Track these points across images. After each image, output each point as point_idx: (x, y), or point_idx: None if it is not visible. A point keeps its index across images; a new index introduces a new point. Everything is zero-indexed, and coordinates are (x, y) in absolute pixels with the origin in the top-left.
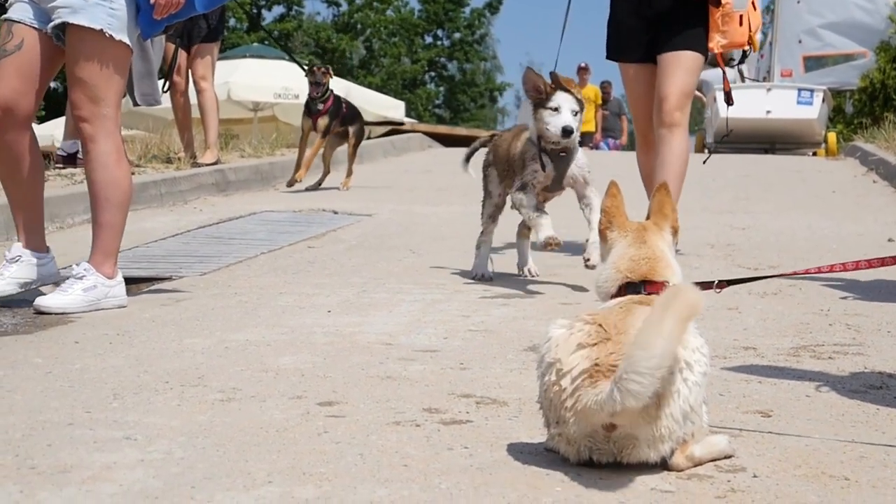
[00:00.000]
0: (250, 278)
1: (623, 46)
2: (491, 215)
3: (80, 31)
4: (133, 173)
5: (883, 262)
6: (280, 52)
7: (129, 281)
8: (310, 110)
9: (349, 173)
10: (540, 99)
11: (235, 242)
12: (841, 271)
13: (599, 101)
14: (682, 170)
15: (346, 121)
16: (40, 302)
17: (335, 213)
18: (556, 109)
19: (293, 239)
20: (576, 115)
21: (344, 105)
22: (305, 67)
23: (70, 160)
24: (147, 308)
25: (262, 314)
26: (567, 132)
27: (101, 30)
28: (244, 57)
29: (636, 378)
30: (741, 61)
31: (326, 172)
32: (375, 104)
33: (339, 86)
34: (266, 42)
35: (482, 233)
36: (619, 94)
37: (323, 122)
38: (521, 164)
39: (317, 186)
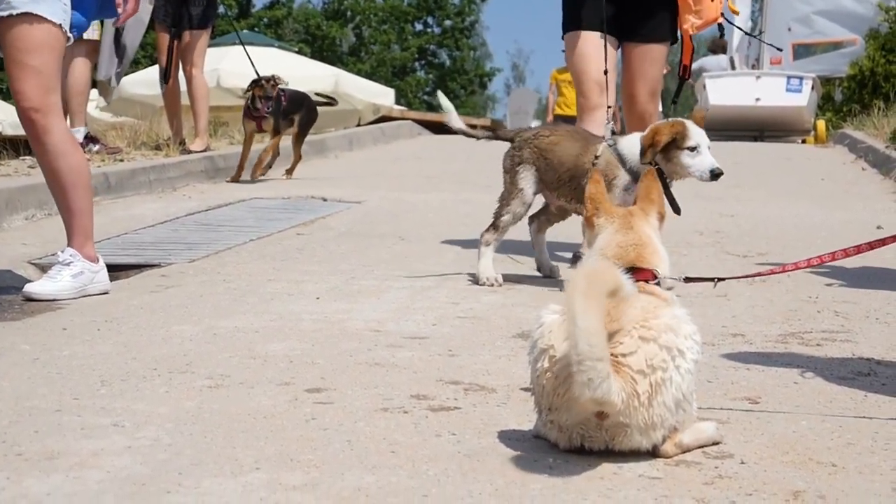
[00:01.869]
0: (239, 265)
1: (584, 16)
2: (515, 215)
3: (35, 20)
4: (121, 160)
5: (858, 249)
6: (269, 40)
7: (118, 268)
8: (251, 113)
9: (297, 158)
10: (672, 137)
11: (224, 229)
12: (818, 264)
13: None
14: None
15: (289, 111)
16: (30, 289)
17: (324, 200)
18: (695, 149)
19: (282, 226)
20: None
21: (284, 98)
22: (252, 81)
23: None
24: (135, 295)
25: (251, 301)
26: (716, 175)
27: (60, 24)
28: (233, 44)
29: (583, 367)
30: (721, 34)
31: (275, 156)
32: (365, 91)
33: (329, 73)
34: (256, 29)
35: (496, 230)
36: None
37: (268, 124)
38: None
39: (264, 171)
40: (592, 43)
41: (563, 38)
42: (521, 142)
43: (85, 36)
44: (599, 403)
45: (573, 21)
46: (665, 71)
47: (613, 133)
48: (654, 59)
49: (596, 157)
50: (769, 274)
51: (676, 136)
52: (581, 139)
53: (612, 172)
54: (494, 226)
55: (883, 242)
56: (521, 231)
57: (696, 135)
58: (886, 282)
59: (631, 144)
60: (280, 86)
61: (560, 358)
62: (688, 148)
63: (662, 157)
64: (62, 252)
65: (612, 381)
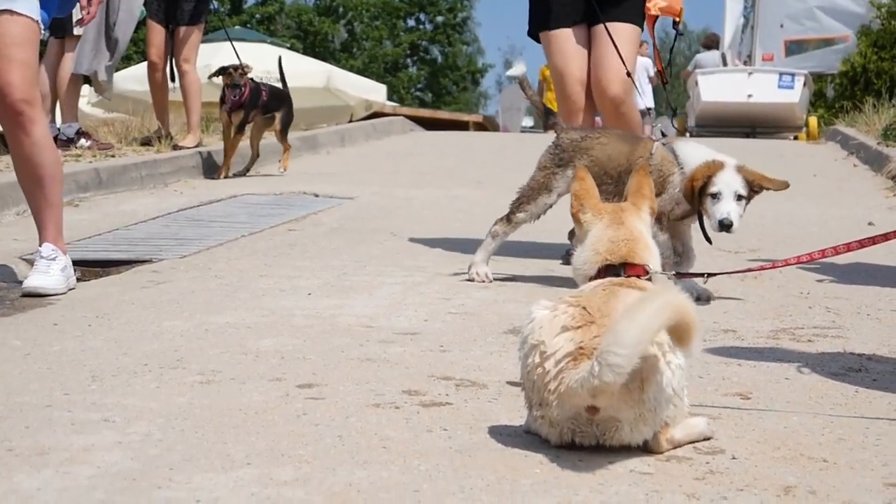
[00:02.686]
0: (230, 261)
1: (555, 14)
2: (533, 214)
3: (15, 16)
4: (113, 156)
5: (849, 247)
6: (261, 36)
7: (109, 263)
8: (224, 104)
9: (286, 149)
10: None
11: (216, 225)
12: (808, 261)
13: None
14: None
15: (269, 108)
16: (36, 283)
17: (316, 196)
18: (716, 196)
19: (274, 222)
20: (741, 200)
21: (264, 93)
22: (218, 68)
23: (67, 143)
24: (126, 290)
25: (242, 297)
26: (725, 226)
27: (37, 20)
28: (225, 40)
29: (617, 350)
30: (679, 32)
31: (255, 157)
32: (357, 87)
33: (321, 69)
34: (248, 25)
35: (508, 223)
36: None
37: (238, 116)
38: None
39: (244, 172)
40: (571, 40)
41: (529, 34)
42: (568, 142)
43: (75, 31)
44: (601, 391)
45: (547, 18)
46: (657, 68)
47: (663, 133)
48: (626, 39)
49: (650, 154)
50: (759, 270)
51: (705, 180)
52: (631, 139)
53: (666, 170)
54: (508, 219)
55: (873, 241)
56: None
57: (721, 181)
58: (877, 278)
59: (687, 146)
60: (248, 75)
61: (551, 353)
62: (710, 194)
63: (697, 195)
64: (43, 247)
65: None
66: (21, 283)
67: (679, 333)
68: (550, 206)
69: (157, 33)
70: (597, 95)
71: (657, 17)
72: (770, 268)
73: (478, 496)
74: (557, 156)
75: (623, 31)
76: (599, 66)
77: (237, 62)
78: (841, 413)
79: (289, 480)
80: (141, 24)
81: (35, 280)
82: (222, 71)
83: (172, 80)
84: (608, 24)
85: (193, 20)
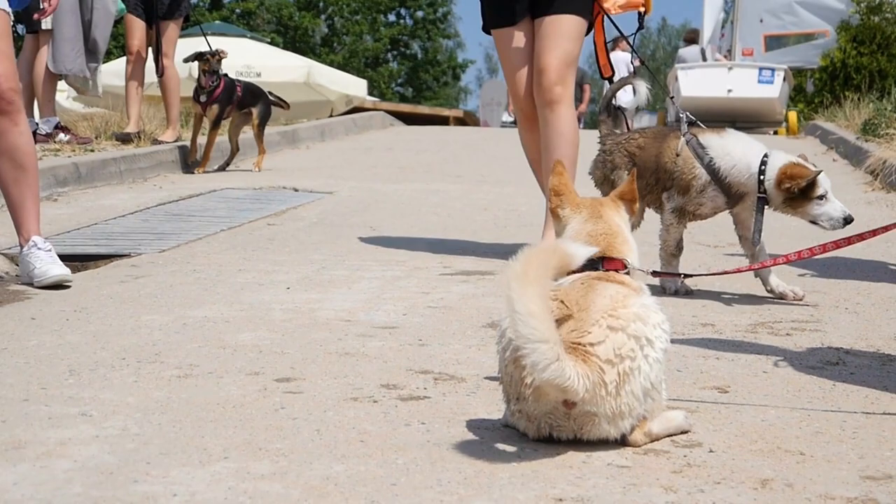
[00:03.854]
0: (209, 255)
1: (502, 10)
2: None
3: None
4: (92, 150)
5: (825, 248)
6: (241, 30)
7: (88, 258)
8: (197, 98)
9: (261, 152)
10: (796, 187)
11: (195, 219)
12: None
13: None
14: (573, 152)
15: (244, 104)
16: (59, 272)
17: (296, 190)
18: (823, 197)
19: (253, 216)
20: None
21: (239, 89)
22: (194, 53)
23: (46, 138)
24: (105, 285)
25: (221, 291)
26: (849, 222)
27: (9, 12)
28: (206, 34)
29: (525, 351)
30: (640, 27)
31: (234, 152)
32: (337, 82)
33: (301, 64)
34: (229, 20)
35: None
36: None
37: (212, 111)
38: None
39: (224, 167)
40: (520, 39)
41: (483, 30)
42: (612, 145)
43: (45, 26)
44: (557, 388)
45: (496, 15)
46: (637, 63)
47: (691, 123)
48: (568, 33)
49: (676, 156)
50: (735, 272)
51: (805, 187)
52: (663, 136)
53: (689, 170)
54: None
55: (849, 241)
56: (499, 224)
57: (824, 181)
58: (856, 272)
59: (713, 137)
60: (223, 59)
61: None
62: (816, 198)
63: (784, 199)
64: (38, 239)
65: (566, 364)
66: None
67: (561, 266)
68: (643, 210)
69: (137, 28)
70: (535, 83)
71: (602, 14)
72: (746, 270)
73: (455, 490)
74: (606, 163)
75: (563, 25)
76: (539, 59)
77: (213, 49)
78: (818, 406)
79: (266, 474)
80: (120, 21)
81: (57, 269)
82: (199, 56)
83: (160, 75)
84: (551, 16)
85: (170, 14)
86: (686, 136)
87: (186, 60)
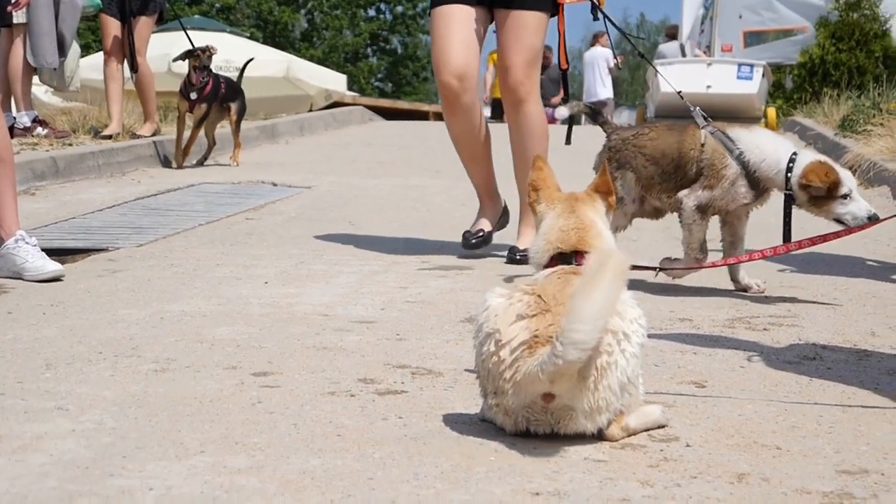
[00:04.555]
0: (187, 249)
1: None
2: (619, 227)
3: None
4: (70, 144)
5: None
6: (221, 25)
7: (66, 252)
8: (186, 95)
9: (237, 146)
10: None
11: (173, 214)
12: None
13: None
14: (545, 145)
15: (225, 99)
16: (54, 267)
17: (274, 185)
18: (847, 196)
19: (231, 211)
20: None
21: (223, 85)
22: (184, 51)
23: (24, 132)
24: (82, 279)
25: (199, 285)
26: (875, 220)
27: None
28: (183, 30)
29: (579, 326)
30: (594, 17)
31: (211, 146)
32: (317, 77)
33: (281, 59)
34: (208, 15)
35: None
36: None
37: (200, 110)
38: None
39: (202, 162)
40: (458, 20)
41: (429, 13)
42: (619, 142)
43: (17, 20)
44: (560, 374)
45: None
46: (618, 61)
47: (705, 118)
48: (532, 29)
49: (702, 146)
50: (711, 266)
51: (830, 186)
52: (678, 129)
53: (719, 161)
54: None
55: (824, 238)
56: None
57: (848, 180)
58: (833, 267)
59: (742, 132)
60: (213, 55)
61: (506, 341)
62: (841, 197)
63: (809, 198)
64: (24, 234)
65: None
66: None
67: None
68: (633, 214)
69: (111, 26)
70: (500, 79)
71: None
72: (721, 264)
73: (432, 483)
74: (613, 158)
75: (526, 21)
76: (505, 50)
77: (203, 45)
78: (795, 401)
79: (243, 468)
80: (96, 17)
81: (51, 265)
82: (189, 54)
83: (134, 71)
84: (517, 11)
85: (143, 10)
86: (709, 128)
87: (176, 60)
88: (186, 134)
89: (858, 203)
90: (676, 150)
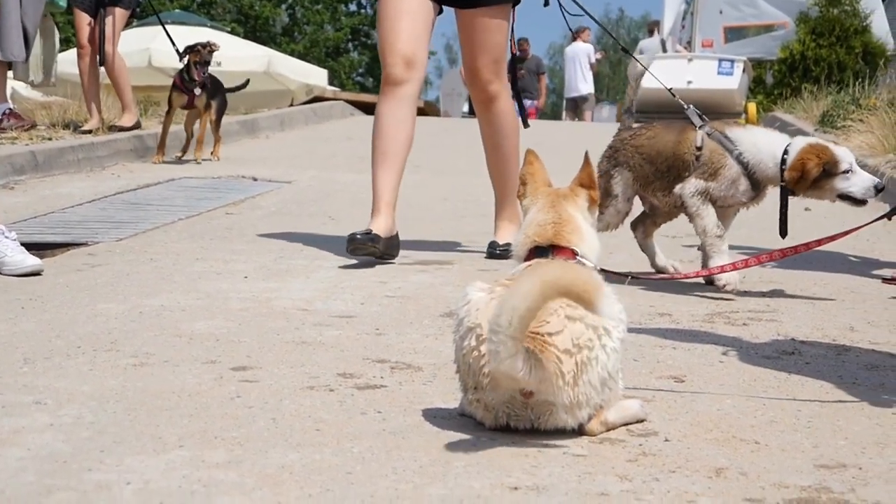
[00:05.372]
0: (167, 244)
1: None
2: (610, 224)
3: None
4: (50, 139)
5: (784, 253)
6: (202, 19)
7: (45, 246)
8: (185, 88)
9: (217, 140)
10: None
11: (153, 208)
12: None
13: None
14: (516, 141)
15: (211, 94)
16: (35, 262)
17: (255, 179)
18: (848, 171)
19: (211, 205)
20: None
21: (209, 79)
22: (186, 46)
23: None
24: (61, 273)
25: (178, 280)
26: (880, 190)
27: None
28: (166, 23)
29: (491, 337)
30: (546, 3)
31: (190, 139)
32: (298, 72)
33: (261, 53)
34: (189, 9)
35: None
36: (536, 51)
37: (201, 101)
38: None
39: (181, 155)
40: (405, 7)
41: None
42: (618, 142)
43: None
44: (507, 377)
45: None
46: (600, 56)
47: (701, 117)
48: (496, 26)
49: (698, 148)
50: (683, 278)
51: (826, 165)
52: (675, 130)
53: (717, 161)
54: None
55: (808, 246)
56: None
57: (845, 156)
58: (812, 262)
59: (739, 130)
60: (215, 51)
61: (487, 336)
62: (842, 173)
63: (812, 184)
64: (2, 227)
65: (519, 359)
66: None
67: (579, 301)
68: (627, 212)
69: (84, 20)
70: (468, 79)
71: None
72: (693, 276)
73: (410, 478)
74: (610, 158)
75: (490, 17)
76: (471, 52)
77: (204, 41)
78: (773, 396)
79: (221, 463)
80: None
81: (30, 259)
82: (190, 49)
83: (101, 63)
84: (474, 11)
85: (116, 2)
86: (706, 128)
87: (182, 57)
88: (176, 129)
89: (861, 175)
90: (671, 151)
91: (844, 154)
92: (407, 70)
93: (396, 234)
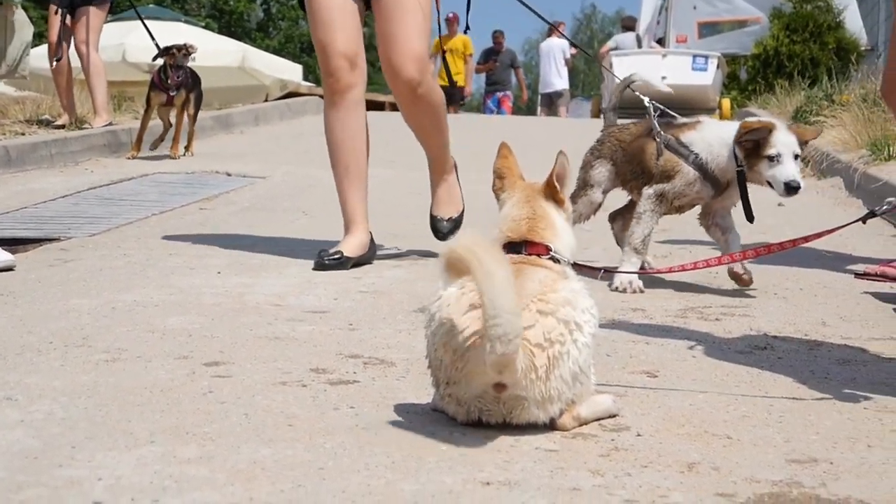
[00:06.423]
0: (140, 239)
1: None
2: (582, 215)
3: None
4: (23, 133)
5: (746, 254)
6: (176, 14)
7: (17, 241)
8: (163, 86)
9: (191, 137)
10: (753, 143)
11: (126, 204)
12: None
13: (470, 52)
14: (447, 134)
15: (189, 88)
16: (13, 259)
17: (228, 175)
18: (774, 158)
19: (185, 201)
20: (797, 159)
21: (189, 74)
22: (162, 48)
23: None
24: (33, 269)
25: (151, 275)
26: (793, 189)
27: None
28: (138, 19)
29: (496, 321)
30: None
31: (167, 129)
32: (272, 67)
33: (236, 48)
34: (163, 4)
35: None
36: (510, 44)
37: (179, 99)
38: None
39: (155, 146)
40: (335, 7)
41: (298, 4)
42: (605, 135)
43: None
44: (503, 365)
45: None
46: (573, 53)
47: (666, 117)
48: (417, 9)
49: (656, 159)
50: (656, 273)
51: (759, 140)
52: (648, 135)
53: (671, 168)
54: None
55: (781, 246)
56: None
57: (780, 142)
58: (784, 258)
59: (692, 134)
60: (193, 54)
61: (459, 331)
62: (767, 156)
63: (746, 160)
64: None
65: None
66: None
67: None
68: (599, 204)
69: (57, 18)
70: (389, 78)
71: None
72: (666, 272)
73: (382, 473)
74: (594, 150)
75: (409, 3)
76: (388, 46)
77: (180, 43)
78: (746, 391)
79: (192, 458)
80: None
81: (2, 255)
82: (165, 51)
83: (58, 59)
84: None
85: (93, 0)
86: (662, 138)
87: (155, 59)
88: (152, 124)
89: (784, 168)
90: (640, 157)
91: (781, 139)
92: (352, 72)
93: (372, 241)
